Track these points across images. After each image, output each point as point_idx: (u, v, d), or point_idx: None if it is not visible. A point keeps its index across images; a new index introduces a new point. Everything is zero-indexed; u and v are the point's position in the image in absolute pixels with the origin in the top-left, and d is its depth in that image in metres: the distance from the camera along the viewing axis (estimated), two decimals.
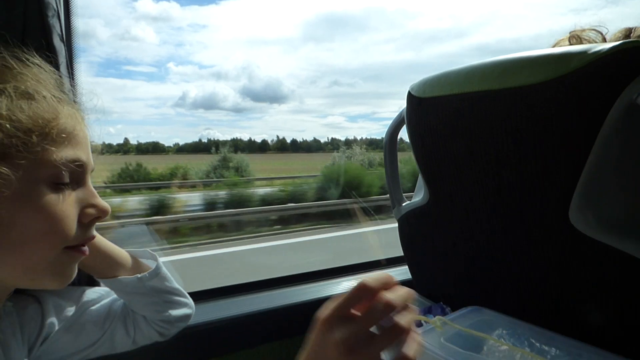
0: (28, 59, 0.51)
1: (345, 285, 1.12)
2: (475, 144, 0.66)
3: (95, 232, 0.54)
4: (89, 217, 0.51)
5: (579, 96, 0.52)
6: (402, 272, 1.16)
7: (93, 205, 0.51)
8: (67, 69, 0.71)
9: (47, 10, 0.66)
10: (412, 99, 0.76)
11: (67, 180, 0.49)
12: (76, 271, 0.53)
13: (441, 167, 0.74)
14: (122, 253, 0.66)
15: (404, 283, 1.03)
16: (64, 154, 0.48)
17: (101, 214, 0.51)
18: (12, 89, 0.46)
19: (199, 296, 1.03)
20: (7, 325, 0.54)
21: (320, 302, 1.06)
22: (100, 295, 0.68)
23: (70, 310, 0.63)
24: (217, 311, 0.96)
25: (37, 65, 0.52)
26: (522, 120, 0.58)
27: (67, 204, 0.49)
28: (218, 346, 0.93)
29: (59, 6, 0.74)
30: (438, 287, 0.92)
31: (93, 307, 0.66)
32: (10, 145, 0.44)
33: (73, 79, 0.79)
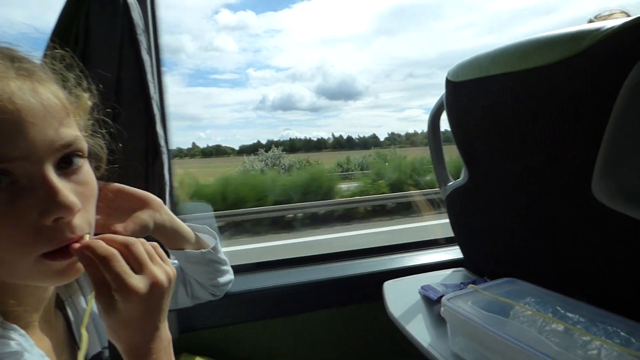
0: None
1: (404, 261, 1.21)
2: (502, 124, 0.69)
3: (83, 227, 0.44)
4: (50, 219, 0.40)
5: (592, 72, 0.54)
6: (457, 252, 1.20)
7: (52, 204, 0.40)
8: (153, 77, 0.90)
9: (136, 29, 0.84)
10: (448, 83, 0.81)
11: (2, 182, 0.39)
12: (79, 268, 0.45)
13: (476, 148, 0.79)
14: (186, 229, 0.73)
15: (457, 262, 1.09)
16: None
17: (64, 213, 0.41)
18: None
19: (285, 263, 1.23)
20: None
21: (376, 275, 1.17)
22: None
23: None
24: (287, 277, 1.12)
25: None
26: (542, 99, 0.61)
27: (11, 210, 0.39)
28: (288, 307, 1.09)
29: (148, 25, 0.93)
30: (484, 264, 0.96)
31: None
32: None
33: (160, 86, 0.98)
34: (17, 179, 0.40)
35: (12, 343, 0.42)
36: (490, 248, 0.89)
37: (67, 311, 0.57)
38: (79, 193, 0.44)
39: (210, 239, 0.78)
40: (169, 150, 1.03)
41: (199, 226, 0.78)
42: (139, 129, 0.87)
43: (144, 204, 0.66)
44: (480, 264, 0.97)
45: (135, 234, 0.63)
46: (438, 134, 0.96)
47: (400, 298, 0.94)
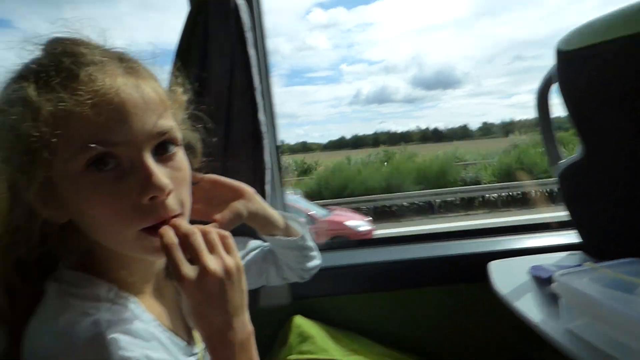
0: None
1: (510, 243, 1.17)
2: (623, 93, 0.65)
3: (176, 210, 0.49)
4: (146, 197, 0.45)
5: None
6: (573, 236, 1.12)
7: (148, 185, 0.45)
8: (260, 70, 1.01)
9: (244, 27, 0.96)
10: (559, 54, 0.78)
11: (110, 164, 0.45)
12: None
13: (592, 119, 0.74)
14: (277, 217, 0.77)
15: (574, 247, 1.03)
16: (92, 136, 0.43)
17: (157, 192, 0.45)
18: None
19: (390, 240, 1.29)
20: None
21: (481, 256, 1.17)
22: (258, 245, 0.88)
23: (240, 251, 0.83)
24: (395, 254, 1.18)
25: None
26: None
27: (117, 188, 0.45)
28: (392, 282, 1.15)
29: (255, 25, 1.05)
30: (606, 246, 0.89)
31: (253, 253, 0.87)
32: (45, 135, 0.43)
33: (267, 77, 1.10)
34: (121, 161, 0.46)
35: (125, 309, 0.49)
36: (612, 228, 0.83)
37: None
38: (173, 177, 0.49)
39: (299, 227, 0.83)
40: (274, 137, 1.15)
41: (289, 214, 0.83)
42: (246, 117, 0.99)
43: (238, 194, 0.71)
44: (602, 246, 0.90)
45: (231, 221, 0.68)
46: (547, 110, 0.91)
47: (507, 278, 0.92)
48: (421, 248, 1.20)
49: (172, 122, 0.51)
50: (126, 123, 0.45)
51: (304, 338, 1.03)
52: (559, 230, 1.21)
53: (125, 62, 0.49)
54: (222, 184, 0.71)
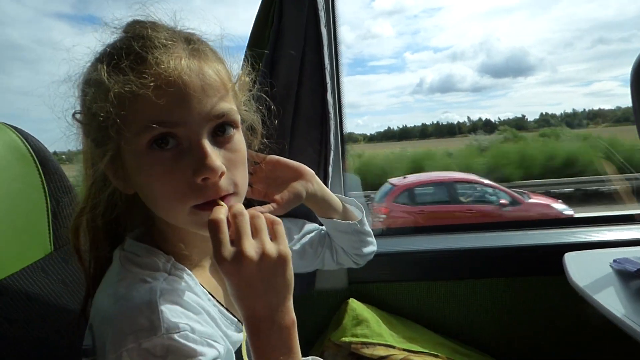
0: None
1: (588, 235, 1.09)
2: None
3: (228, 190, 0.50)
4: (199, 177, 0.47)
5: None
6: None
7: (202, 166, 0.47)
8: (331, 51, 1.00)
9: (318, 5, 0.96)
10: None
11: (170, 143, 0.48)
12: None
13: None
14: (335, 200, 0.78)
15: None
16: (154, 117, 0.46)
17: (210, 174, 0.47)
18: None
19: (452, 228, 1.24)
20: None
21: (555, 247, 1.09)
22: (314, 227, 0.88)
23: (295, 232, 0.84)
24: (459, 242, 1.13)
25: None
26: None
27: (174, 167, 0.48)
28: (451, 271, 1.10)
29: (329, 16, 1.04)
30: None
31: (309, 235, 0.86)
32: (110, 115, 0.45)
33: (338, 67, 1.09)
34: (181, 141, 0.48)
35: (180, 281, 0.51)
36: None
37: None
38: (228, 159, 0.51)
39: (357, 211, 0.82)
40: (339, 118, 1.14)
41: (347, 198, 0.82)
42: (315, 98, 0.98)
43: (298, 175, 0.72)
44: None
45: (290, 201, 0.69)
46: None
47: (585, 271, 0.85)
48: (486, 237, 1.14)
49: (231, 104, 0.52)
50: (186, 105, 0.47)
51: (359, 321, 1.02)
52: None
53: (192, 43, 0.50)
54: (283, 165, 0.72)
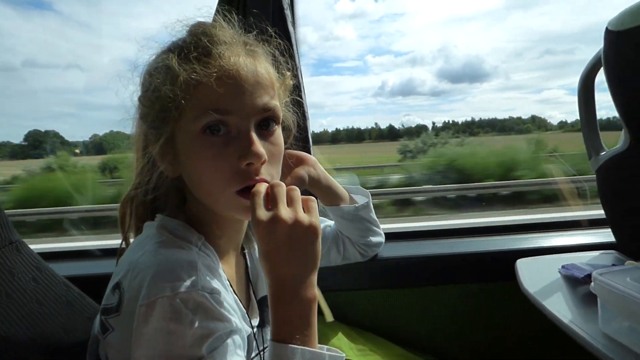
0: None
1: (538, 241, 1.11)
2: None
3: (265, 177, 0.55)
4: (244, 162, 0.52)
5: None
6: (605, 235, 1.06)
7: (248, 152, 0.52)
8: (295, 51, 0.97)
9: (283, 4, 0.94)
10: (609, 34, 0.71)
11: (222, 130, 0.52)
12: None
13: None
14: (340, 188, 0.83)
15: (606, 246, 0.97)
16: (212, 104, 0.51)
17: (254, 159, 0.52)
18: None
19: (409, 235, 1.23)
20: None
21: (507, 254, 1.10)
22: (321, 221, 0.89)
23: None
24: (413, 249, 1.12)
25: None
26: None
27: (222, 152, 0.52)
28: (411, 279, 1.10)
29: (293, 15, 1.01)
30: None
31: None
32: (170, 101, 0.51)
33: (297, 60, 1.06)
34: (230, 129, 0.53)
35: (208, 259, 0.55)
36: None
37: (246, 258, 0.71)
38: (269, 150, 0.55)
39: (362, 199, 0.85)
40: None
41: (353, 187, 0.86)
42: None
43: (301, 161, 0.77)
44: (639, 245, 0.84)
45: (294, 186, 0.72)
46: (592, 96, 0.85)
47: (536, 277, 0.87)
48: (443, 244, 1.15)
49: (277, 101, 0.57)
50: (240, 96, 0.52)
51: (319, 334, 1.00)
52: (590, 229, 1.15)
53: (248, 45, 0.57)
54: (288, 155, 0.75)
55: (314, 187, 0.79)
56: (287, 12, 0.93)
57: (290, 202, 0.52)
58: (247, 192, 0.52)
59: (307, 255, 0.51)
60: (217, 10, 0.92)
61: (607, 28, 0.72)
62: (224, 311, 0.48)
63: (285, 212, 0.50)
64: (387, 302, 1.10)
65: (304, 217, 0.50)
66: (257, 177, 0.53)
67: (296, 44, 1.05)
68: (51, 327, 0.68)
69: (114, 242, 1.27)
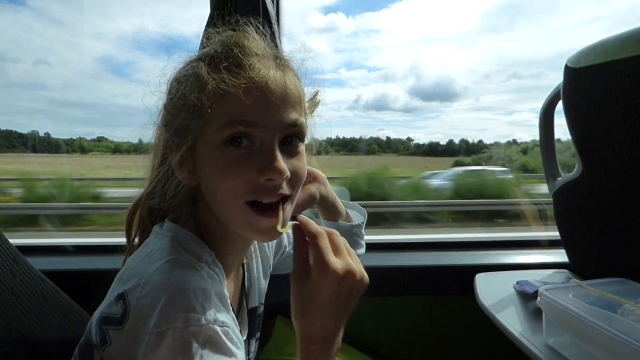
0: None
1: (498, 257, 1.16)
2: (629, 113, 0.65)
3: (286, 191, 0.54)
4: (263, 177, 0.51)
5: None
6: (561, 255, 1.12)
7: (269, 167, 0.51)
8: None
9: (271, 19, 0.96)
10: (568, 70, 0.78)
11: (244, 143, 0.51)
12: (278, 228, 0.53)
13: (593, 137, 0.74)
14: (342, 207, 0.84)
15: (561, 265, 1.03)
16: (238, 115, 0.50)
17: (275, 175, 0.51)
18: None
19: (375, 246, 1.26)
20: (264, 244, 0.77)
21: (468, 268, 1.14)
22: None
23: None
24: (379, 260, 1.16)
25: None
26: None
27: (242, 163, 0.51)
28: (374, 288, 1.12)
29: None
30: (595, 267, 0.89)
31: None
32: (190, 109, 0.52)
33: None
34: (254, 142, 0.52)
35: (217, 278, 0.54)
36: (605, 249, 0.83)
37: (245, 270, 0.71)
38: (292, 167, 0.54)
39: (357, 215, 0.87)
40: None
41: (349, 203, 0.87)
42: None
43: (312, 178, 0.76)
44: (590, 266, 0.90)
45: (306, 202, 0.73)
46: (551, 125, 0.92)
47: (493, 291, 0.92)
48: (406, 256, 1.19)
49: (303, 117, 0.56)
50: (267, 109, 0.52)
51: (287, 339, 1.02)
52: (547, 248, 1.21)
53: (278, 59, 0.56)
54: None
55: (321, 205, 0.79)
56: (275, 27, 0.96)
57: (336, 249, 0.51)
58: (259, 206, 0.52)
59: (346, 308, 0.51)
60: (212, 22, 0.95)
61: (566, 64, 0.78)
62: (231, 346, 0.47)
63: (353, 263, 0.50)
64: (355, 309, 1.13)
65: (356, 268, 0.50)
66: (278, 192, 0.53)
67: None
68: (26, 319, 0.69)
69: (88, 240, 1.27)
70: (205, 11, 1.01)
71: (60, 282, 0.80)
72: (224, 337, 0.46)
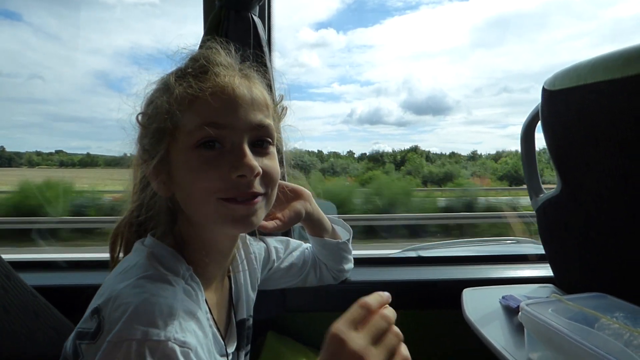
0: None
1: (485, 272, 1.18)
2: (599, 133, 0.68)
3: (260, 190, 0.57)
4: (235, 174, 0.54)
5: None
6: (547, 269, 1.14)
7: (240, 164, 0.54)
8: (273, 86, 1.04)
9: (262, 42, 0.99)
10: (545, 92, 0.81)
11: (216, 146, 0.54)
12: (255, 219, 0.57)
13: (569, 156, 0.77)
14: (327, 223, 0.87)
15: (547, 280, 1.05)
16: (207, 118, 0.53)
17: (246, 171, 0.54)
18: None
19: (363, 262, 1.26)
20: (251, 257, 0.79)
21: (455, 283, 1.15)
22: (297, 244, 0.95)
23: (281, 251, 0.90)
24: (367, 275, 1.16)
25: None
26: None
27: (214, 163, 0.54)
28: (352, 302, 1.13)
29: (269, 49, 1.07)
30: (576, 281, 0.91)
31: (295, 253, 0.92)
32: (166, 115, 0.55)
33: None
34: (224, 144, 0.55)
35: (194, 293, 0.55)
36: (585, 264, 0.85)
37: (231, 282, 0.73)
38: (264, 166, 0.57)
39: (343, 231, 0.90)
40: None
41: (335, 219, 0.90)
42: None
43: (298, 195, 0.79)
44: (572, 281, 0.92)
45: (291, 220, 0.76)
46: (532, 143, 0.95)
47: (479, 306, 0.93)
48: (395, 271, 1.20)
49: (270, 121, 0.60)
50: (235, 112, 0.55)
51: (277, 355, 1.02)
52: (535, 263, 1.23)
53: (243, 70, 0.61)
54: (284, 186, 0.78)
55: (307, 221, 0.82)
56: (266, 49, 0.99)
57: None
58: (232, 201, 0.54)
59: None
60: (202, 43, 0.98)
61: (543, 86, 0.82)
62: None
63: (375, 351, 0.49)
64: None
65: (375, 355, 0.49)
66: (250, 190, 0.55)
67: (273, 79, 1.11)
68: (16, 336, 0.69)
69: (80, 255, 1.28)
70: (199, 28, 1.04)
71: (52, 298, 0.81)
72: (181, 358, 0.45)
